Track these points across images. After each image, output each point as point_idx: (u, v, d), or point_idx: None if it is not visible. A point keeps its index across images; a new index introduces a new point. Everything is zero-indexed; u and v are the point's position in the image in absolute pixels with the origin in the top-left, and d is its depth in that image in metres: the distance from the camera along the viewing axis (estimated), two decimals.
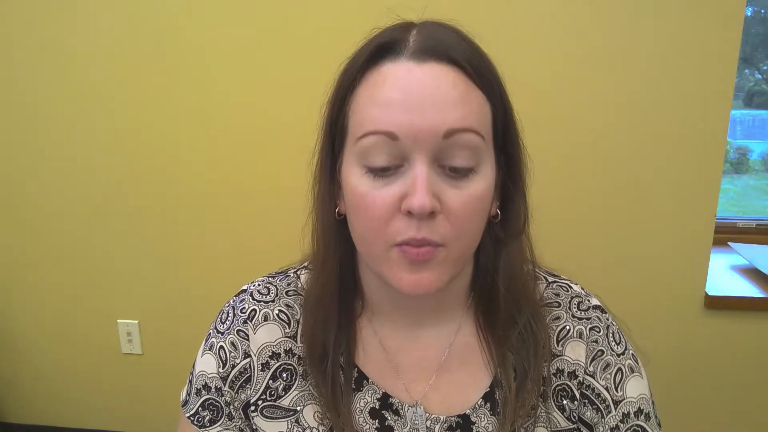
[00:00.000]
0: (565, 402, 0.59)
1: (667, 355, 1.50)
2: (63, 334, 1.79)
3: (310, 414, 0.59)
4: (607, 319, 0.62)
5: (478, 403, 0.59)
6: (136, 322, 1.74)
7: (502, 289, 0.57)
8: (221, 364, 0.60)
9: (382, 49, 0.50)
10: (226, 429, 0.60)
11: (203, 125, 1.54)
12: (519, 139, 0.55)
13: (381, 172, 0.49)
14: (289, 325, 0.61)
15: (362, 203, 0.50)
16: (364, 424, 0.58)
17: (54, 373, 1.84)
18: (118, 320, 1.74)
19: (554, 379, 0.59)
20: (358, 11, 1.38)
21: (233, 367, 0.60)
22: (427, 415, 0.58)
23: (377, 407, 0.59)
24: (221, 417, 0.60)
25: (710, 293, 1.46)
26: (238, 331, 0.60)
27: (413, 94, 0.47)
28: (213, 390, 0.60)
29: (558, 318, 0.61)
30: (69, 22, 1.51)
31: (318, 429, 0.58)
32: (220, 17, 1.46)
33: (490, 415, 0.58)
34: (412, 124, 0.47)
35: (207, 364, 0.61)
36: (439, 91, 0.47)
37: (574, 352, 0.60)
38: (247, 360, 0.60)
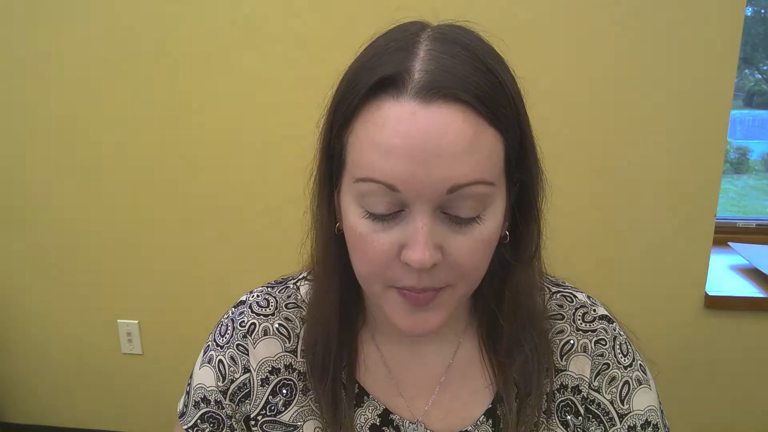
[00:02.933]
0: (569, 417, 0.58)
1: (667, 355, 1.50)
2: (63, 334, 1.79)
3: (310, 429, 0.58)
4: (614, 330, 0.60)
5: (480, 419, 0.57)
6: (136, 322, 1.74)
7: (505, 319, 0.55)
8: (220, 378, 0.59)
9: (382, 82, 0.44)
10: None
11: (204, 126, 1.54)
12: (537, 164, 0.51)
13: (380, 218, 0.46)
14: (289, 339, 0.60)
15: (361, 244, 0.47)
16: None
17: (54, 373, 1.84)
18: (118, 320, 1.74)
19: (558, 394, 0.58)
20: (363, 14, 1.38)
21: (232, 381, 0.59)
22: (429, 431, 0.57)
23: (378, 423, 0.58)
24: (222, 429, 0.59)
25: (710, 293, 1.46)
26: (238, 345, 0.59)
27: (416, 143, 0.42)
28: (213, 403, 0.59)
29: (562, 331, 0.59)
30: (70, 23, 1.51)
31: None
32: (220, 19, 1.46)
33: (493, 431, 0.57)
34: (414, 177, 0.43)
35: (206, 377, 0.60)
36: (446, 140, 0.42)
37: (578, 367, 0.58)
38: (247, 375, 0.59)
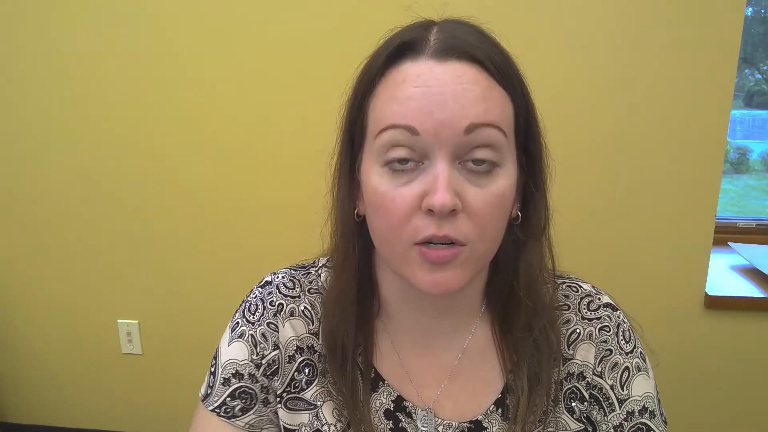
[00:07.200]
0: (574, 404, 0.59)
1: (667, 355, 1.49)
2: (63, 334, 1.79)
3: (328, 410, 0.59)
4: (618, 317, 0.61)
5: (490, 408, 0.59)
6: (136, 322, 1.74)
7: (522, 292, 0.56)
8: (254, 352, 0.60)
9: (402, 48, 0.50)
10: (261, 416, 0.60)
11: (204, 126, 1.54)
12: (541, 138, 0.55)
13: (401, 168, 0.48)
14: (312, 322, 0.62)
15: (382, 202, 0.49)
16: (378, 424, 0.59)
17: (54, 373, 1.84)
18: (118, 320, 1.74)
19: (564, 382, 0.60)
20: (373, 11, 1.38)
21: (263, 357, 0.60)
22: (439, 420, 0.58)
23: (392, 408, 0.59)
24: (255, 404, 0.60)
25: (710, 293, 1.46)
26: (269, 323, 0.61)
27: (434, 90, 0.47)
28: (246, 377, 0.60)
29: (568, 321, 0.61)
30: (68, 23, 1.51)
31: (336, 426, 0.59)
32: (224, 18, 1.46)
33: (502, 420, 0.58)
34: (433, 118, 0.46)
35: (237, 352, 0.60)
36: (461, 87, 0.47)
37: (583, 354, 0.60)
38: (276, 352, 0.60)
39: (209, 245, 1.63)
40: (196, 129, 1.55)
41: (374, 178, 0.50)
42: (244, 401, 0.60)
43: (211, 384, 0.61)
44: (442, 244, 0.48)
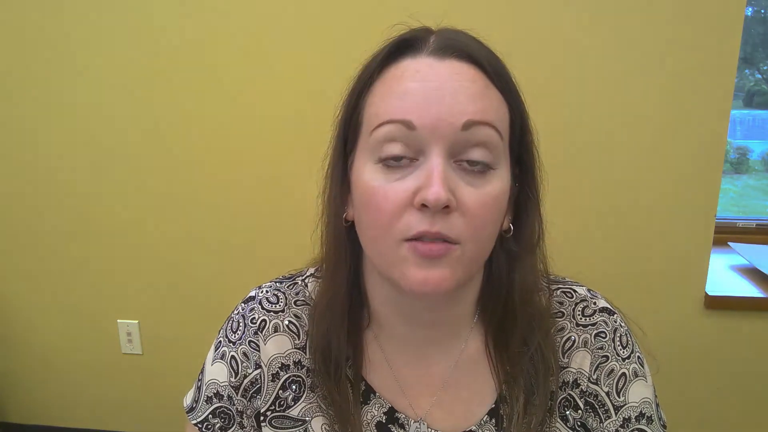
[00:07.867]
0: (567, 412, 0.59)
1: (667, 355, 1.50)
2: (63, 334, 1.79)
3: (318, 426, 0.58)
4: (615, 322, 0.60)
5: (483, 419, 0.58)
6: (136, 322, 1.74)
7: (518, 304, 0.55)
8: (233, 374, 0.59)
9: (401, 46, 0.50)
10: None
11: (205, 127, 1.54)
12: (534, 148, 0.54)
13: (395, 164, 0.48)
14: (298, 336, 0.60)
15: (373, 198, 0.48)
16: None
17: (54, 373, 1.84)
18: (118, 320, 1.74)
19: (559, 391, 0.59)
20: (372, 16, 1.38)
21: (245, 377, 0.59)
22: (432, 431, 0.58)
23: (383, 421, 0.58)
24: (233, 424, 0.60)
25: (710, 293, 1.46)
26: (250, 341, 0.60)
27: (432, 85, 0.47)
28: (225, 398, 0.59)
29: (562, 329, 0.60)
30: (72, 22, 1.51)
31: None
32: (227, 18, 1.46)
33: (496, 431, 0.58)
34: (431, 113, 0.46)
35: (218, 373, 0.60)
36: (459, 84, 0.47)
37: (578, 362, 0.59)
38: (258, 371, 0.59)
39: (209, 245, 1.63)
40: (195, 130, 1.55)
41: (367, 174, 0.49)
42: (223, 420, 0.60)
43: (196, 399, 0.61)
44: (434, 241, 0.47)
